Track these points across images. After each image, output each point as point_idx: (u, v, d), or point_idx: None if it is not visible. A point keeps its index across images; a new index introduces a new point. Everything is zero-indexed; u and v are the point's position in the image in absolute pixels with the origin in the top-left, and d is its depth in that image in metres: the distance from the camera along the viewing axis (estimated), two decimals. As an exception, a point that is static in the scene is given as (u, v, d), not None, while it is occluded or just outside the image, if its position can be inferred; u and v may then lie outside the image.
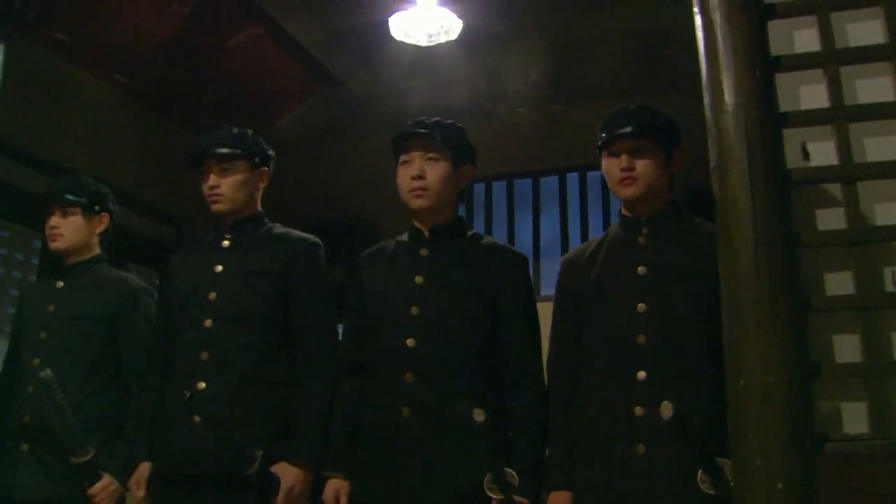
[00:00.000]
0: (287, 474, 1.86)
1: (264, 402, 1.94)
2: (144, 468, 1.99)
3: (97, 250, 2.34)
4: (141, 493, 1.98)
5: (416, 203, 1.90)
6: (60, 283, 2.28)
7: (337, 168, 5.06)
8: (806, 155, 1.44)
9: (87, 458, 2.03)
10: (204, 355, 1.95)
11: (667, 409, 1.35)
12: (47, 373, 1.98)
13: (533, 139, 4.75)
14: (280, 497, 1.85)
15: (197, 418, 1.90)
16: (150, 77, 4.41)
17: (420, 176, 1.88)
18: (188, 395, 1.86)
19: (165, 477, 1.95)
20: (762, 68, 1.42)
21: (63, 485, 2.07)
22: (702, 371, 1.63)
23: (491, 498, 1.68)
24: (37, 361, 2.16)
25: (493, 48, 4.52)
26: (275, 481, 1.86)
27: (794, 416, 1.28)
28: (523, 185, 4.86)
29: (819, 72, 1.46)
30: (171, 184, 4.50)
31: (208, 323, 1.98)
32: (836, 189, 1.41)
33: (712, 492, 1.46)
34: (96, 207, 2.31)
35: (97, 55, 4.13)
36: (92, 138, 4.21)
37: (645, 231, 1.79)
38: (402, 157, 1.93)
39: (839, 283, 1.37)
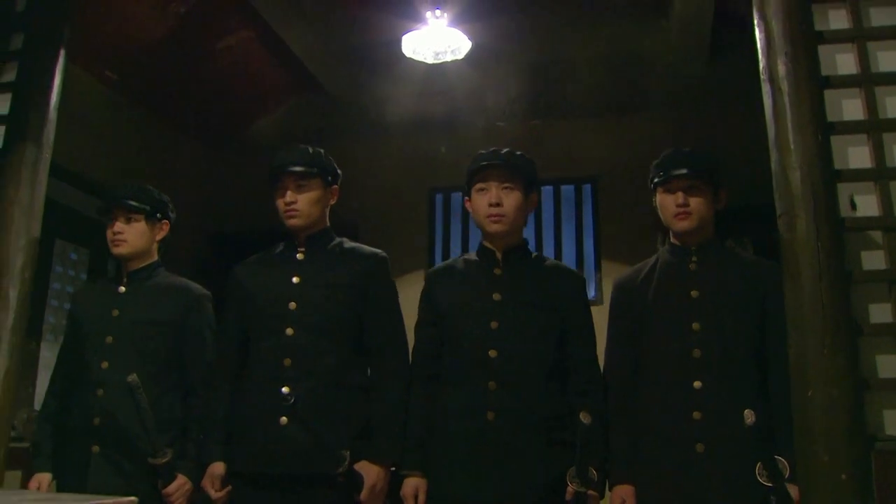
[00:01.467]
0: (369, 472, 2.03)
1: (344, 405, 2.09)
2: (218, 468, 2.10)
3: (156, 256, 2.42)
4: (216, 492, 2.09)
5: (493, 227, 2.10)
6: (122, 288, 2.35)
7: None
8: (853, 206, 1.73)
9: (166, 459, 2.13)
10: (287, 362, 2.09)
11: (749, 416, 1.62)
12: (134, 377, 2.06)
13: (511, 152, 4.99)
14: (364, 493, 2.01)
15: (284, 420, 2.03)
16: (141, 74, 4.40)
17: (497, 203, 2.09)
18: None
19: (247, 476, 2.07)
20: (822, 132, 1.71)
21: (135, 484, 2.15)
22: (749, 380, 1.92)
23: (565, 490, 1.91)
24: (105, 365, 2.24)
25: (475, 64, 4.73)
26: (359, 479, 2.02)
27: (853, 420, 1.58)
28: (499, 196, 5.09)
29: (864, 136, 1.76)
30: (153, 181, 4.47)
31: (290, 331, 2.11)
32: (878, 235, 1.71)
33: (769, 484, 1.74)
34: (158, 215, 2.39)
35: (90, 51, 4.08)
36: (78, 133, 4.15)
37: (694, 259, 2.07)
38: (479, 185, 2.13)
39: (881, 313, 1.68)
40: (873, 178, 1.73)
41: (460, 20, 3.99)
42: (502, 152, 2.15)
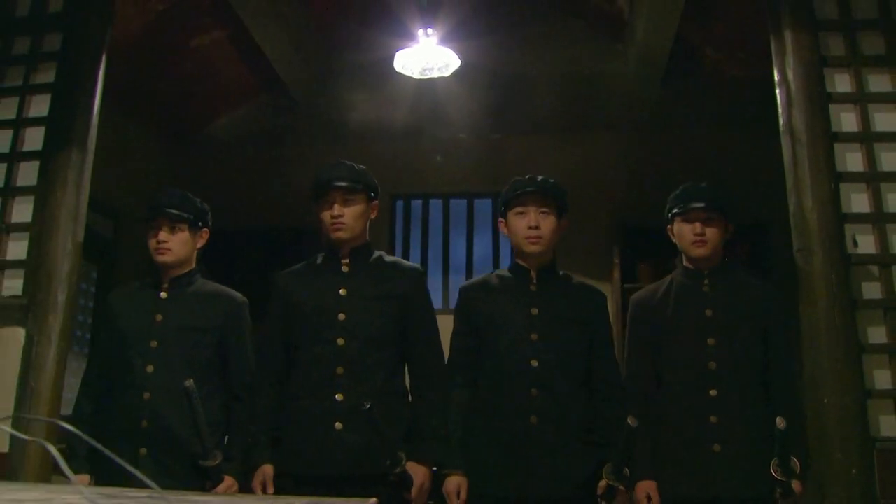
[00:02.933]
0: (417, 472, 2.17)
1: (392, 410, 2.22)
2: (269, 470, 2.19)
3: (194, 264, 2.46)
4: (267, 493, 2.17)
5: (532, 248, 2.30)
6: (163, 294, 2.38)
7: (284, 174, 5.16)
8: (856, 244, 2.05)
9: (217, 462, 2.19)
10: (339, 370, 2.20)
11: (781, 422, 1.89)
12: (191, 383, 2.11)
13: (470, 164, 5.19)
14: (413, 491, 2.16)
15: (339, 425, 2.15)
16: (113, 70, 4.28)
17: (536, 226, 2.29)
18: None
19: (297, 478, 2.16)
20: (833, 181, 2.02)
21: (183, 485, 2.20)
22: (756, 389, 2.21)
23: (595, 486, 2.14)
24: (150, 368, 2.26)
25: (441, 78, 4.92)
26: (408, 479, 2.17)
27: (861, 424, 1.89)
28: (458, 206, 5.29)
29: (864, 185, 2.09)
30: (112, 177, 4.40)
31: (341, 342, 2.22)
32: (875, 270, 2.04)
33: (783, 479, 2.02)
34: (200, 223, 2.43)
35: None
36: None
37: (707, 281, 2.34)
38: (518, 209, 2.33)
39: (878, 335, 2.00)
40: (872, 221, 2.06)
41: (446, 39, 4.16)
42: (538, 179, 2.35)
